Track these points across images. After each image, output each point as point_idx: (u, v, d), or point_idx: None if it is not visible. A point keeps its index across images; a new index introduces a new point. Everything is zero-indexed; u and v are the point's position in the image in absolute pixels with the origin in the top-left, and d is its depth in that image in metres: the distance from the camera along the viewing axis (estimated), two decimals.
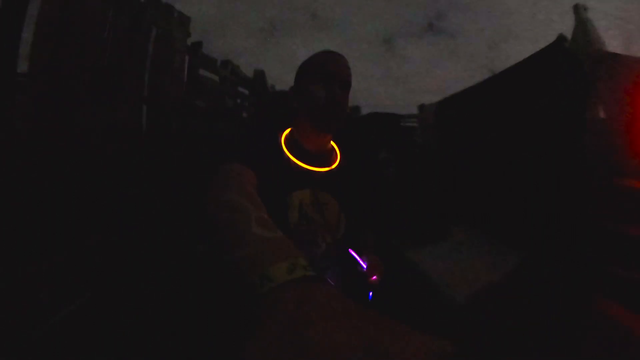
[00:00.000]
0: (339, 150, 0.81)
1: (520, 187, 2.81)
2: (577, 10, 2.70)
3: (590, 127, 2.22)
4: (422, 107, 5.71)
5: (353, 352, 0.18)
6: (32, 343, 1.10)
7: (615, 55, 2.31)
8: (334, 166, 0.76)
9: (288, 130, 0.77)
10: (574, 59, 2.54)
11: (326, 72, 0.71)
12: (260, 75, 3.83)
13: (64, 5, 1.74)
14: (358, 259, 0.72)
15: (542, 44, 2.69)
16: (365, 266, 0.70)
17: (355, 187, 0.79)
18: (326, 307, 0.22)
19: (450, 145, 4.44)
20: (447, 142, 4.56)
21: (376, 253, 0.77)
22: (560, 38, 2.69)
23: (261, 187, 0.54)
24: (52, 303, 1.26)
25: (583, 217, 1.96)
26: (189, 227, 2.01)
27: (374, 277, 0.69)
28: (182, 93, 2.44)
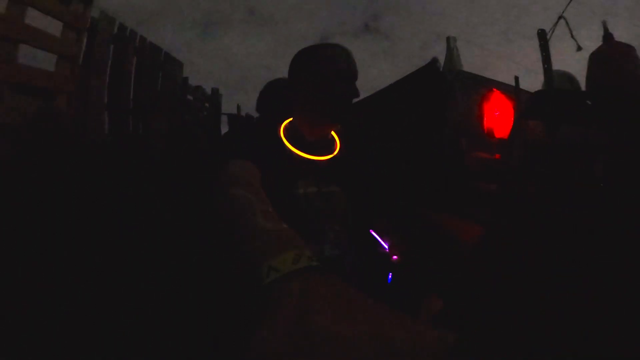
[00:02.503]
0: (338, 137, 0.80)
1: (404, 163, 3.44)
2: (448, 40, 3.64)
3: (449, 122, 2.98)
4: None
5: (358, 341, 0.18)
6: (32, 343, 1.09)
7: (467, 72, 3.20)
8: (335, 153, 0.75)
9: (287, 121, 0.75)
10: (441, 75, 3.30)
11: (340, 69, 0.71)
12: (215, 92, 5.11)
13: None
14: (379, 239, 0.70)
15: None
16: (386, 246, 0.68)
17: (358, 174, 0.77)
18: (330, 296, 0.22)
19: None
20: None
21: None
22: (434, 60, 3.37)
23: (265, 180, 0.53)
24: (52, 303, 1.26)
25: (446, 177, 2.71)
26: (189, 227, 2.01)
27: (395, 257, 0.68)
28: (181, 112, 3.52)
